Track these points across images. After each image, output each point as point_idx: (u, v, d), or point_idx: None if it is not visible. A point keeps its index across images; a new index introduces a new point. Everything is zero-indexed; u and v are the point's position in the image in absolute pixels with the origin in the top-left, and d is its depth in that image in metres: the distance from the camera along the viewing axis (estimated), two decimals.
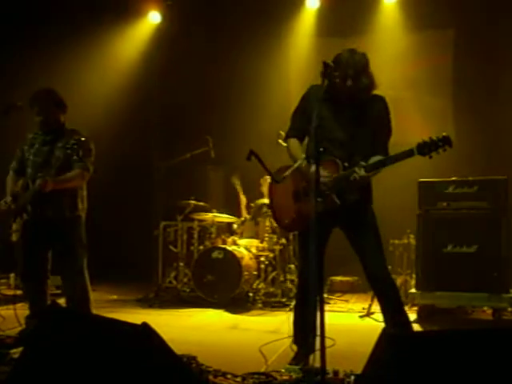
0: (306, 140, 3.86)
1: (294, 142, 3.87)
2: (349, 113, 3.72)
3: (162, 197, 7.53)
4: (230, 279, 6.60)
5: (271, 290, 6.88)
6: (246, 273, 6.62)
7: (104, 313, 4.93)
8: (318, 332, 2.87)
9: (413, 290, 5.68)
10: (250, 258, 6.94)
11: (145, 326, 2.45)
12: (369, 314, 5.82)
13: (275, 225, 6.95)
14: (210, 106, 8.97)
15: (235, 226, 7.36)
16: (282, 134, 6.34)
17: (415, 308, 5.71)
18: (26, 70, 7.74)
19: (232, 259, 6.64)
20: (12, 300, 4.95)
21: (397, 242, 6.85)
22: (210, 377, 3.34)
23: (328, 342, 2.96)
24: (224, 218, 7.39)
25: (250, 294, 6.67)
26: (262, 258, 7.02)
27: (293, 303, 5.92)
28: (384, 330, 2.46)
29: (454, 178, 5.69)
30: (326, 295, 6.73)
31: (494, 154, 7.57)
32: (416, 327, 5.12)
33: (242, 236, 7.23)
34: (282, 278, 6.87)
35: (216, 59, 8.96)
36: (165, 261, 7.51)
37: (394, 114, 3.83)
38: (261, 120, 8.45)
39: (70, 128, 4.59)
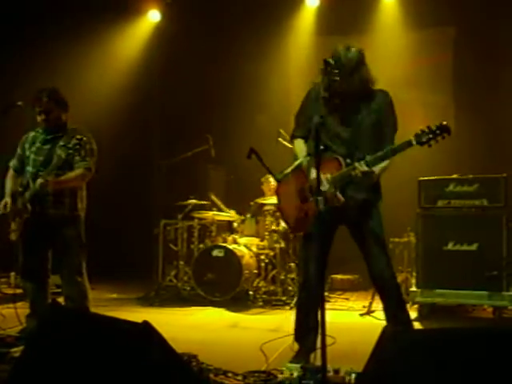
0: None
1: (298, 142, 3.86)
2: (350, 109, 3.70)
3: (162, 195, 7.53)
4: (231, 278, 6.60)
5: (272, 288, 6.88)
6: (246, 271, 6.62)
7: (104, 311, 4.94)
8: (319, 330, 2.87)
9: (413, 288, 5.68)
10: (251, 257, 6.94)
11: (145, 324, 2.45)
12: (369, 312, 5.82)
13: (275, 223, 6.97)
14: (211, 105, 8.98)
15: (235, 224, 7.36)
16: (282, 132, 6.39)
17: (416, 306, 5.71)
18: (26, 69, 7.73)
19: (232, 258, 6.65)
20: (12, 299, 4.94)
21: (397, 240, 6.84)
22: (211, 375, 3.34)
23: (329, 341, 2.96)
24: (224, 216, 7.39)
25: (251, 293, 6.67)
26: (263, 257, 7.02)
27: (293, 302, 5.97)
28: (385, 328, 2.46)
29: (454, 176, 5.69)
30: (326, 293, 6.73)
31: (494, 151, 7.57)
32: (417, 325, 5.12)
33: (242, 234, 7.23)
34: (282, 277, 6.87)
35: (216, 58, 8.97)
36: (165, 259, 7.51)
37: (395, 112, 3.82)
38: (261, 119, 8.46)
39: (72, 126, 4.58)
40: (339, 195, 3.58)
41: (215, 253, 6.78)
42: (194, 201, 7.32)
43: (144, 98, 9.12)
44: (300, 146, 3.84)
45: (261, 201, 7.33)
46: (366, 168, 3.46)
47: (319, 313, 2.93)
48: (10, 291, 6.53)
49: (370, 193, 3.75)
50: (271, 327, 5.20)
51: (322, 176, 3.27)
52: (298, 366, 3.41)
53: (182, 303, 6.64)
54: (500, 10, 7.60)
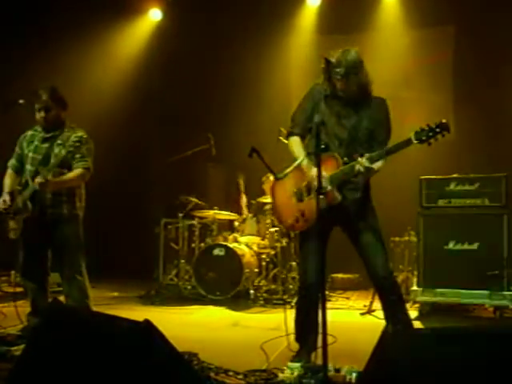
0: (308, 137, 3.85)
1: (294, 139, 3.86)
2: (347, 110, 3.72)
3: (162, 194, 7.53)
4: (231, 276, 6.60)
5: (272, 287, 6.89)
6: (247, 270, 6.62)
7: (105, 310, 4.93)
8: (320, 329, 2.87)
9: (414, 287, 5.67)
10: (251, 256, 6.94)
11: (146, 322, 2.45)
12: (370, 311, 5.81)
13: (276, 222, 6.97)
14: (211, 103, 8.98)
15: (236, 223, 7.36)
16: (283, 130, 6.36)
17: (416, 305, 5.72)
18: (26, 68, 7.73)
19: (233, 256, 6.65)
20: (13, 297, 4.94)
21: (398, 239, 6.85)
22: (212, 374, 3.34)
23: (329, 340, 2.96)
24: (225, 215, 7.39)
25: (252, 292, 6.67)
26: (263, 256, 7.03)
27: (294, 300, 5.96)
28: (386, 327, 2.46)
29: (455, 175, 5.69)
30: (327, 292, 6.73)
31: (495, 150, 7.56)
32: (417, 324, 5.12)
33: (243, 233, 7.23)
34: (283, 276, 6.88)
35: (217, 56, 8.97)
36: (166, 258, 7.52)
37: (395, 111, 3.82)
38: (262, 117, 8.46)
39: (70, 125, 4.58)
40: (336, 193, 3.58)
41: (216, 252, 6.79)
42: (194, 199, 7.33)
43: (144, 97, 9.12)
44: (296, 144, 3.84)
45: (262, 200, 7.33)
46: (368, 164, 3.46)
47: (320, 312, 2.93)
48: (10, 289, 6.53)
49: (364, 192, 3.76)
50: (272, 326, 5.19)
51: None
52: (299, 365, 3.41)
53: (182, 302, 6.64)
54: (500, 9, 7.60)
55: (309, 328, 3.79)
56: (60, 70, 7.47)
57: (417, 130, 3.38)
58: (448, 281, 5.44)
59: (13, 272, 6.61)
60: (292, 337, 3.93)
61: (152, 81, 9.27)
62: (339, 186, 3.61)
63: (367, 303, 5.95)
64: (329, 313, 2.96)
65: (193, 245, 7.30)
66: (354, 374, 3.22)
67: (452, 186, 5.63)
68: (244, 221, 7.32)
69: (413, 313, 5.43)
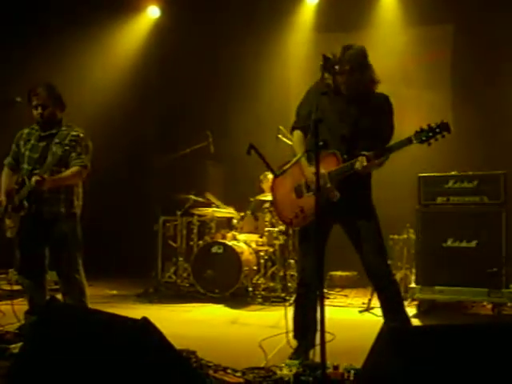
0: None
1: (298, 134, 3.86)
2: (350, 107, 3.71)
3: (161, 192, 7.52)
4: (230, 274, 6.60)
5: (271, 284, 6.89)
6: (245, 268, 6.62)
7: (104, 308, 4.93)
8: (318, 327, 2.86)
9: (413, 285, 5.68)
10: (250, 253, 6.94)
11: (144, 320, 2.45)
12: (368, 308, 5.82)
13: (275, 220, 6.98)
14: (210, 101, 8.97)
15: (235, 220, 7.36)
16: (282, 128, 6.38)
17: (415, 303, 5.72)
18: (24, 66, 7.72)
19: (232, 254, 6.65)
20: (10, 295, 4.94)
21: (396, 236, 6.86)
22: (210, 371, 3.33)
23: (328, 337, 2.96)
24: (223, 212, 7.39)
25: (250, 289, 6.67)
26: (262, 253, 7.03)
27: (292, 298, 5.97)
28: (384, 324, 2.46)
29: (453, 173, 5.69)
30: (325, 290, 6.73)
31: (493, 148, 7.57)
32: (416, 322, 5.13)
33: (241, 231, 7.23)
34: (281, 273, 6.87)
35: (215, 54, 8.96)
36: (164, 256, 7.51)
37: (394, 109, 3.81)
38: (260, 115, 8.45)
39: (67, 123, 4.57)
40: (335, 191, 3.58)
41: (214, 249, 6.79)
42: (193, 197, 7.33)
43: (143, 95, 9.11)
44: (299, 139, 3.83)
45: (260, 197, 7.33)
46: (366, 163, 3.46)
47: (318, 309, 2.93)
48: (9, 288, 6.53)
49: (365, 190, 3.76)
50: (270, 323, 5.20)
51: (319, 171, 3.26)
52: (298, 362, 3.41)
53: (181, 300, 6.65)
54: (498, 8, 7.59)
55: (307, 325, 3.79)
56: (59, 68, 7.45)
57: (417, 129, 3.38)
58: (446, 278, 5.44)
59: (11, 270, 6.60)
60: (291, 334, 3.93)
61: (150, 79, 9.26)
62: (339, 183, 3.60)
63: (366, 301, 5.95)
64: (327, 310, 2.96)
65: (191, 242, 7.30)
66: (353, 372, 3.22)
67: (450, 184, 5.64)
68: (242, 218, 7.32)
69: (411, 310, 5.44)
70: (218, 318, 5.69)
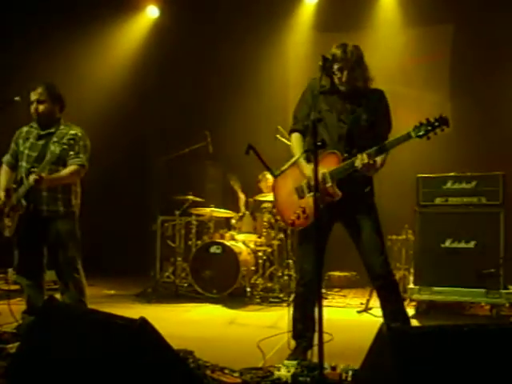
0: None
1: (296, 137, 3.86)
2: (347, 106, 3.71)
3: (159, 192, 7.51)
4: (228, 274, 6.60)
5: (269, 285, 6.88)
6: (243, 268, 6.62)
7: (102, 307, 4.91)
8: (317, 327, 2.86)
9: (411, 285, 5.68)
10: (248, 253, 6.94)
11: (142, 320, 2.44)
12: (367, 309, 5.82)
13: (273, 220, 6.98)
14: (209, 101, 8.97)
15: (233, 220, 7.36)
16: (281, 129, 6.38)
17: (413, 303, 5.72)
18: (23, 65, 7.72)
19: (230, 254, 6.65)
20: (7, 295, 4.92)
21: (395, 237, 6.86)
22: (208, 372, 3.33)
23: (326, 337, 2.96)
24: (222, 213, 7.39)
25: (248, 289, 6.67)
26: (260, 253, 7.03)
27: (291, 298, 5.97)
28: (382, 325, 2.46)
29: (452, 174, 5.69)
30: (324, 290, 6.74)
31: (492, 149, 7.56)
32: (414, 322, 5.13)
33: (240, 231, 7.23)
34: (279, 273, 6.87)
35: (214, 54, 8.96)
36: (163, 256, 7.51)
37: (392, 109, 3.82)
38: (259, 115, 8.45)
39: (66, 122, 4.56)
40: (336, 190, 3.58)
41: (213, 249, 6.79)
42: (191, 197, 7.32)
43: (142, 94, 9.11)
44: (298, 141, 3.83)
45: (259, 198, 7.33)
46: (367, 160, 3.45)
47: (316, 310, 2.93)
48: (6, 287, 6.52)
49: (366, 189, 3.75)
50: (268, 324, 5.20)
51: (319, 171, 3.25)
52: (295, 362, 3.41)
53: (179, 300, 6.65)
54: (498, 8, 7.60)
55: (305, 326, 3.79)
56: (58, 68, 7.44)
57: (416, 124, 3.38)
58: (445, 279, 5.44)
59: (9, 270, 6.59)
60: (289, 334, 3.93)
61: (149, 78, 9.25)
62: (340, 181, 3.60)
63: (364, 301, 5.96)
64: (325, 311, 2.96)
65: (189, 242, 7.29)
66: (351, 372, 3.22)
67: (449, 185, 5.64)
68: (241, 218, 7.31)
69: (409, 311, 5.42)
70: (216, 318, 5.69)
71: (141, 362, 2.39)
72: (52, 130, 4.48)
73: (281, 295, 6.56)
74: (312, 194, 3.64)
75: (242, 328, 5.27)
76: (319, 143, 3.03)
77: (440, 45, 8.55)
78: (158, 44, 9.11)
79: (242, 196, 7.59)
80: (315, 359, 3.26)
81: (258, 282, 6.90)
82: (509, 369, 2.29)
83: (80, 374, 2.53)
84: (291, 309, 3.95)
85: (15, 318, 4.52)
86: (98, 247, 7.75)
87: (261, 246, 7.09)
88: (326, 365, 3.10)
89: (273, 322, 5.30)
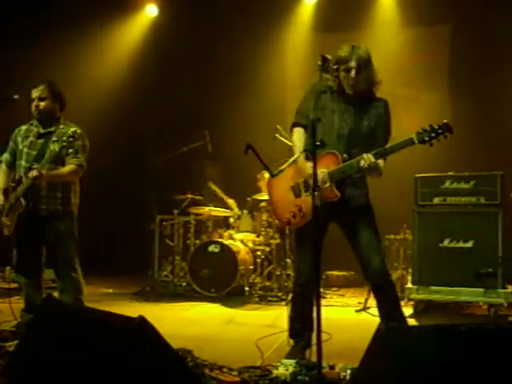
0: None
1: (298, 131, 3.83)
2: (349, 107, 3.71)
3: (158, 191, 7.51)
4: (226, 273, 6.60)
5: (267, 284, 6.89)
6: (242, 267, 6.62)
7: (100, 306, 4.91)
8: (315, 326, 2.87)
9: (409, 285, 5.68)
10: (247, 252, 6.95)
11: (140, 319, 2.45)
12: (365, 308, 5.83)
13: (271, 219, 6.98)
14: (207, 100, 8.96)
15: (232, 220, 7.36)
16: (279, 128, 6.38)
17: (411, 303, 5.73)
18: (21, 65, 7.72)
19: (228, 253, 6.65)
20: (7, 293, 4.93)
21: (393, 236, 6.86)
22: (206, 370, 3.33)
23: (324, 337, 2.96)
24: (220, 212, 7.39)
25: (246, 288, 6.67)
26: (259, 252, 7.03)
27: (289, 297, 5.97)
28: (381, 324, 2.46)
29: (450, 173, 5.69)
30: (322, 290, 6.74)
31: (491, 148, 7.57)
32: (412, 322, 5.13)
33: (238, 230, 7.23)
34: (278, 272, 6.88)
35: (213, 53, 8.95)
36: (161, 255, 7.51)
37: (391, 109, 3.82)
38: (258, 114, 8.45)
39: (65, 121, 4.57)
40: (335, 190, 3.58)
41: (211, 248, 6.79)
42: (190, 196, 7.32)
43: (140, 93, 9.11)
44: (298, 137, 3.81)
45: (257, 197, 7.33)
46: (373, 160, 3.45)
47: (314, 309, 2.93)
48: (5, 286, 6.52)
49: (362, 188, 3.76)
50: (267, 323, 5.21)
51: (318, 171, 3.26)
52: (294, 361, 3.41)
53: (177, 298, 6.65)
54: (497, 8, 7.60)
55: (303, 325, 3.79)
56: (57, 67, 7.44)
57: (419, 130, 3.38)
58: (443, 279, 5.45)
59: (7, 268, 6.59)
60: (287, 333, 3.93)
61: (148, 77, 9.25)
62: (338, 182, 3.61)
63: (362, 300, 5.96)
64: (323, 310, 2.96)
65: (188, 241, 7.29)
66: (349, 371, 3.22)
67: (447, 184, 5.65)
68: (239, 218, 7.31)
69: (407, 310, 5.44)
70: (215, 317, 5.69)
71: (139, 361, 2.39)
72: (52, 129, 4.49)
73: (279, 294, 6.56)
74: (308, 193, 3.64)
75: (240, 327, 5.27)
76: (318, 143, 3.04)
77: (439, 45, 8.55)
78: (157, 43, 9.11)
79: (229, 200, 7.56)
80: (313, 358, 3.27)
81: (256, 280, 6.91)
82: (507, 368, 2.29)
83: (78, 372, 2.53)
84: (289, 307, 3.96)
85: (15, 316, 4.52)
86: (96, 246, 7.75)
87: (259, 245, 7.09)
88: (324, 364, 3.10)
89: (271, 320, 5.30)
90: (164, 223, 7.57)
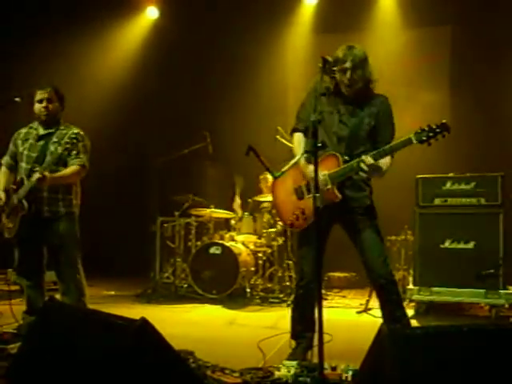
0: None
1: (297, 136, 3.85)
2: (350, 108, 3.71)
3: (159, 192, 7.52)
4: (228, 275, 6.60)
5: (269, 285, 6.89)
6: (243, 268, 6.62)
7: (102, 308, 4.90)
8: (316, 328, 2.87)
9: (410, 286, 5.69)
10: (248, 254, 6.95)
11: (143, 321, 2.45)
12: (366, 309, 5.83)
13: (273, 221, 6.99)
14: (208, 102, 8.97)
15: (233, 221, 7.36)
16: (280, 129, 6.39)
17: (413, 304, 5.72)
18: (22, 66, 7.72)
19: (229, 255, 6.65)
20: (8, 296, 4.93)
21: (394, 237, 6.86)
22: (208, 372, 3.34)
23: (326, 338, 2.96)
24: (222, 213, 7.39)
25: (248, 290, 6.68)
26: (260, 254, 7.03)
27: (291, 299, 5.97)
28: (382, 325, 2.46)
29: (451, 175, 5.70)
30: (323, 291, 6.74)
31: (492, 150, 7.57)
32: (413, 323, 5.13)
33: (239, 232, 7.23)
34: (279, 274, 6.88)
35: (213, 55, 8.97)
36: (162, 256, 7.51)
37: (392, 110, 3.82)
38: (259, 116, 8.46)
39: (65, 123, 4.57)
40: (337, 192, 3.58)
41: (212, 250, 6.79)
42: (191, 197, 7.32)
43: (141, 95, 9.11)
44: (299, 141, 3.83)
45: (259, 198, 7.33)
46: (372, 161, 3.46)
47: (316, 310, 2.93)
48: (7, 288, 6.52)
49: (365, 189, 3.76)
50: (268, 324, 5.21)
51: (320, 173, 3.27)
52: (295, 363, 3.41)
53: (179, 300, 6.65)
54: (498, 9, 7.61)
55: (305, 326, 3.80)
56: (58, 69, 7.45)
57: (417, 130, 3.38)
58: (444, 279, 5.45)
59: (9, 270, 6.59)
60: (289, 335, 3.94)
61: (149, 79, 9.24)
62: (340, 184, 3.61)
63: (363, 302, 5.96)
64: (325, 311, 2.96)
65: (189, 243, 7.30)
66: (350, 373, 3.23)
67: (448, 185, 5.65)
68: (241, 219, 7.32)
69: (409, 311, 5.41)
70: (216, 319, 5.69)
71: (141, 363, 2.40)
72: (52, 131, 4.49)
73: (281, 295, 6.56)
74: (311, 195, 3.64)
75: (242, 328, 5.27)
76: (319, 145, 3.04)
77: (439, 46, 8.56)
78: (158, 45, 9.12)
79: (238, 199, 7.57)
80: (315, 359, 3.27)
81: (257, 282, 6.91)
82: (508, 369, 2.29)
83: (81, 374, 2.54)
84: (291, 309, 3.96)
85: (16, 318, 4.52)
86: (97, 247, 7.74)
87: (261, 246, 7.09)
88: (325, 365, 3.10)
89: (273, 322, 5.31)
90: (165, 225, 7.58)
